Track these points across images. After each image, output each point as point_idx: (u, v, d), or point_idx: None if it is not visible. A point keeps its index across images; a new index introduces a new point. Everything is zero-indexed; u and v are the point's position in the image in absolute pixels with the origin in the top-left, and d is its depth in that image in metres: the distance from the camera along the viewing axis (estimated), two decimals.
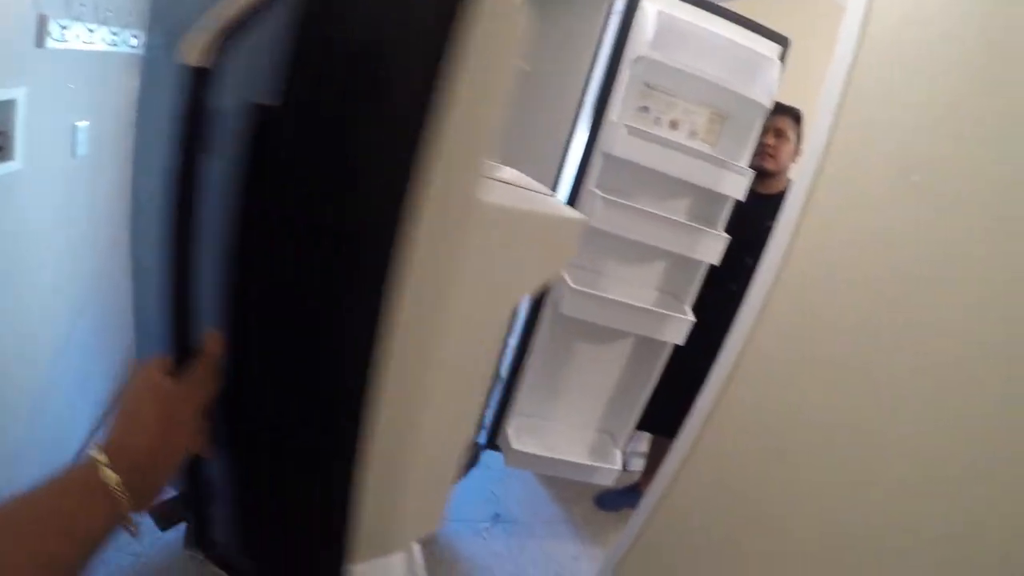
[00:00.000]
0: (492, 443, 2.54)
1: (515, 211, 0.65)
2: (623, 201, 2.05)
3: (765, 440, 1.54)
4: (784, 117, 2.28)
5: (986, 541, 1.00)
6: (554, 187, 2.05)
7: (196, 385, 0.59)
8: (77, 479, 0.51)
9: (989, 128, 1.12)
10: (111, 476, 0.51)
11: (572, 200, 2.10)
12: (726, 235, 2.18)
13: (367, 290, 0.57)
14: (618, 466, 2.52)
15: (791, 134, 2.28)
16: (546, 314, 2.24)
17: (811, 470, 1.37)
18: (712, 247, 2.17)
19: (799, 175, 1.57)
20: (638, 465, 3.34)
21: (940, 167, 1.20)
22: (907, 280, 1.24)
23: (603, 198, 2.01)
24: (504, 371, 2.39)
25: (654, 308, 2.18)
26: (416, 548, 1.24)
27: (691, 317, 2.23)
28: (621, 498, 3.06)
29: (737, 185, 2.15)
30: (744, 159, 2.21)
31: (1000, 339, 1.03)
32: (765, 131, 2.24)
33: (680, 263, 2.30)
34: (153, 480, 0.56)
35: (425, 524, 0.81)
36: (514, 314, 0.91)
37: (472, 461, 2.46)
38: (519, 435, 2.47)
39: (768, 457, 1.52)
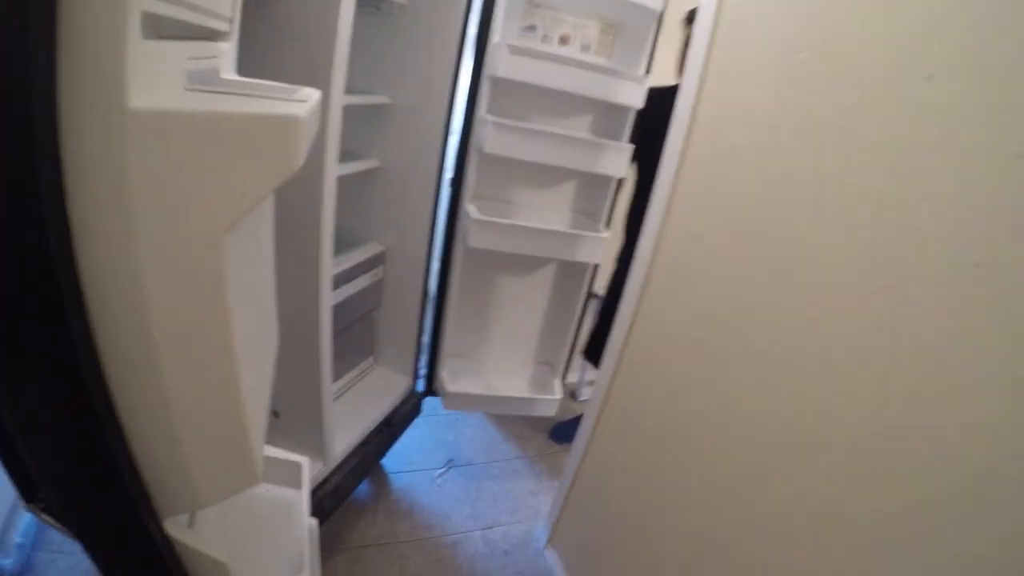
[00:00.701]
0: (430, 389, 2.52)
1: (187, 114, 0.58)
2: (515, 123, 2.00)
3: (685, 340, 1.54)
4: None
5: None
6: (447, 119, 1.99)
7: None
8: None
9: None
10: None
11: (467, 130, 2.04)
12: (629, 145, 2.14)
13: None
14: (559, 395, 2.52)
15: None
16: (457, 249, 2.20)
17: (734, 362, 1.36)
18: (616, 160, 2.13)
19: (691, 59, 1.53)
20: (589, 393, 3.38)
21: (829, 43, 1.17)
22: (794, 157, 1.22)
23: (494, 123, 1.96)
24: (429, 314, 2.35)
25: (563, 230, 2.14)
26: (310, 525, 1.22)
27: (604, 235, 2.21)
28: (573, 428, 3.09)
29: (635, 94, 2.11)
30: (640, 67, 2.16)
31: (890, 209, 1.02)
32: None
33: (588, 181, 2.27)
34: None
35: (236, 481, 0.79)
36: (263, 244, 0.84)
37: (414, 410, 2.44)
38: (454, 377, 2.45)
39: (691, 356, 1.51)
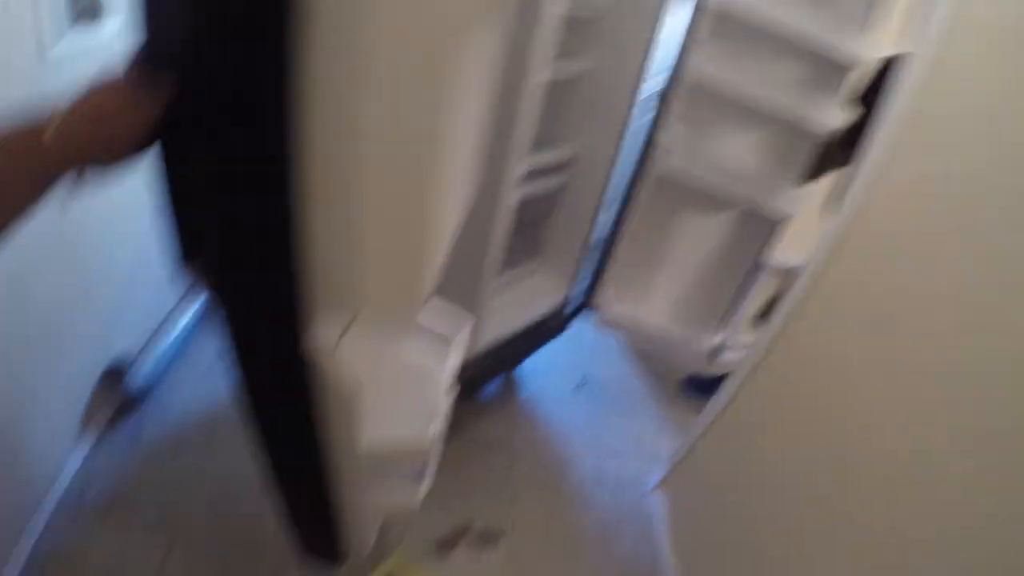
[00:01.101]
0: (586, 305, 2.49)
1: None
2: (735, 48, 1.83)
3: (877, 317, 1.37)
4: None
5: None
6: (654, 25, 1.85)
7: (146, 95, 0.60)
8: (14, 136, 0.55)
9: None
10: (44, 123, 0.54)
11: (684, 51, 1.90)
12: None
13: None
14: (715, 342, 2.41)
15: None
16: (648, 171, 2.09)
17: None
18: (831, 113, 1.90)
19: None
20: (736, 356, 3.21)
21: None
22: None
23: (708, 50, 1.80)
24: (603, 231, 2.30)
25: (761, 176, 1.98)
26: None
27: (801, 191, 2.02)
28: (712, 385, 2.97)
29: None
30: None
31: None
32: None
33: (794, 131, 2.05)
34: (89, 139, 0.58)
35: (398, 296, 0.77)
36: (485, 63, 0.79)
37: (563, 323, 2.44)
38: (615, 299, 2.41)
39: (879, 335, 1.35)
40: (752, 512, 1.70)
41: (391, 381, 1.15)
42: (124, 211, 1.86)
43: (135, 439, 2.03)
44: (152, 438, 2.05)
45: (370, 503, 1.15)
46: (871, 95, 1.86)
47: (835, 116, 1.89)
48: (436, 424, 1.04)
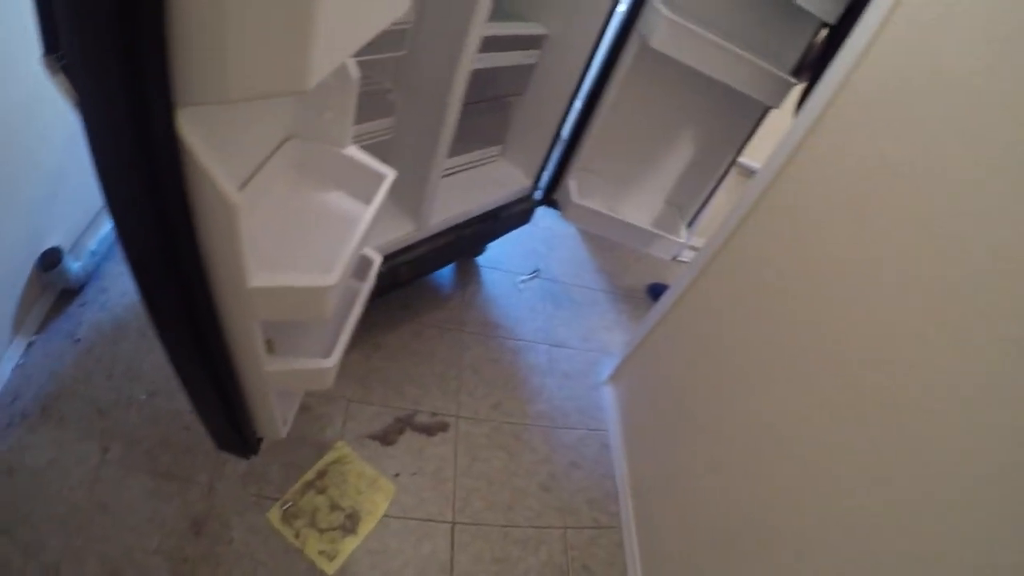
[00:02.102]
0: (549, 198, 2.36)
1: None
2: None
3: (842, 197, 1.31)
4: None
5: None
6: None
7: None
8: None
9: None
10: None
11: None
12: None
13: None
14: (682, 239, 2.33)
15: None
16: (629, 51, 1.91)
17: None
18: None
19: None
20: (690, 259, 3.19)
21: None
22: None
23: None
24: (571, 120, 2.13)
25: (755, 59, 1.81)
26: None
27: (793, 80, 1.88)
28: None
29: None
30: None
31: None
32: None
33: (793, 16, 1.88)
34: None
35: (278, 76, 0.61)
36: None
37: (524, 215, 2.31)
38: (582, 190, 2.28)
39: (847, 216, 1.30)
40: (692, 398, 1.74)
41: (293, 226, 1.05)
42: (50, 102, 1.67)
43: (71, 334, 1.89)
44: (88, 332, 1.91)
45: (270, 372, 1.04)
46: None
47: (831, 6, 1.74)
48: (336, 274, 0.92)
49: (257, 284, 0.83)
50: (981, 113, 0.99)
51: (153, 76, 0.57)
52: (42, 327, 1.88)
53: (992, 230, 0.93)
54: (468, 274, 2.70)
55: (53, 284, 1.92)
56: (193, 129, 0.63)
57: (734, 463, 1.47)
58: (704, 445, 1.62)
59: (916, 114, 1.14)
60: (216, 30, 0.56)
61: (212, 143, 0.66)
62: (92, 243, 2.06)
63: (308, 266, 0.97)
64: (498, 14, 1.54)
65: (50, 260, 1.83)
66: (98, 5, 0.51)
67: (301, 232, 1.06)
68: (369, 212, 1.05)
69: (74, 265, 1.93)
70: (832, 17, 1.79)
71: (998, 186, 0.93)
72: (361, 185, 1.13)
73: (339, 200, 1.13)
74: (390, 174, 1.13)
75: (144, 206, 0.69)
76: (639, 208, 2.46)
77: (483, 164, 2.26)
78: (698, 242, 3.20)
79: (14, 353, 1.76)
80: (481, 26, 1.41)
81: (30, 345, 1.82)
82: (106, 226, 2.15)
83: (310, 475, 1.74)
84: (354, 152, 1.13)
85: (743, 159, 2.37)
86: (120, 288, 2.07)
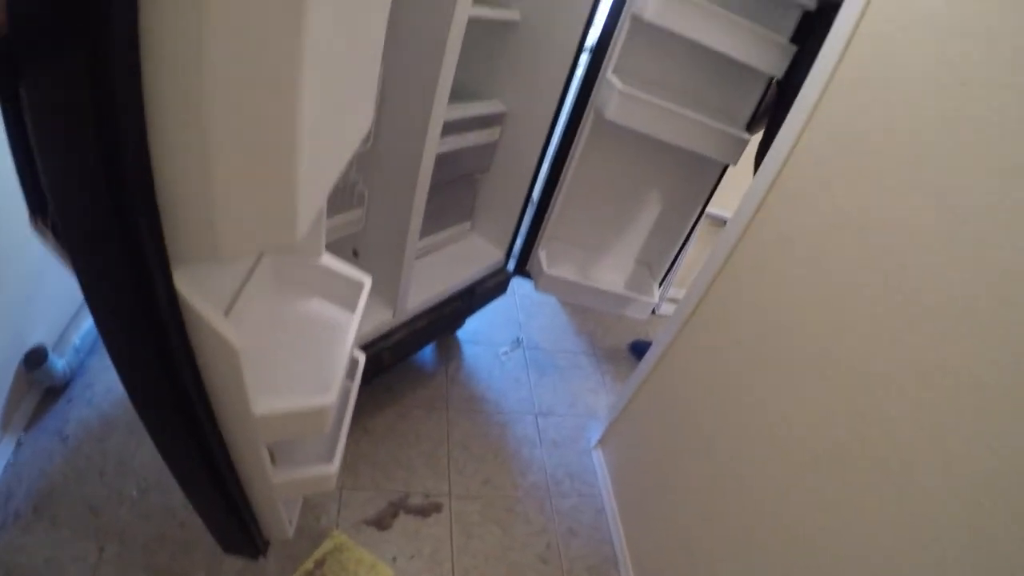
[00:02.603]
0: (522, 269, 2.42)
1: None
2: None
3: (804, 256, 1.36)
4: None
5: None
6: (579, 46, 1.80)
7: None
8: None
9: None
10: None
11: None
12: (792, 45, 1.87)
13: None
14: (655, 299, 2.38)
15: None
16: (586, 124, 2.01)
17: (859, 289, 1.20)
18: (770, 53, 1.84)
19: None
20: (670, 309, 3.25)
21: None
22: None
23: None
24: (536, 191, 2.22)
25: (707, 120, 1.91)
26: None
27: (747, 136, 1.99)
28: None
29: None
30: None
31: None
32: None
33: (739, 75, 2.00)
34: None
35: (269, 230, 0.66)
36: None
37: (499, 287, 2.37)
38: (552, 260, 2.35)
39: (809, 275, 1.35)
40: (681, 456, 1.74)
41: (283, 342, 1.08)
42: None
43: (59, 431, 1.87)
44: (76, 429, 1.89)
45: (278, 484, 1.07)
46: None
47: (779, 56, 1.86)
48: (334, 391, 0.96)
49: (261, 412, 0.86)
50: (934, 165, 1.04)
51: (150, 248, 0.60)
52: (30, 425, 1.86)
53: (952, 279, 0.97)
54: (449, 350, 2.72)
55: (39, 382, 1.91)
56: (190, 284, 0.67)
57: (728, 519, 1.46)
58: (696, 503, 1.62)
59: (870, 168, 1.19)
60: (204, 199, 0.60)
61: (204, 286, 0.70)
62: (75, 338, 2.05)
63: (304, 382, 1.00)
64: (457, 94, 1.60)
65: (35, 359, 1.82)
66: (92, 185, 0.55)
67: (291, 346, 1.08)
68: (354, 322, 1.09)
69: (59, 363, 1.92)
70: (780, 71, 1.88)
71: (956, 236, 0.97)
72: (340, 292, 1.16)
73: (321, 308, 1.16)
74: (366, 280, 1.16)
75: (148, 357, 0.72)
76: (611, 270, 2.51)
77: (454, 241, 2.30)
78: (678, 293, 3.28)
79: (4, 452, 1.74)
80: (442, 112, 1.48)
81: (19, 444, 1.79)
82: (88, 321, 2.14)
83: (308, 565, 1.71)
84: (329, 261, 1.16)
85: (712, 209, 2.47)
86: (105, 383, 2.06)
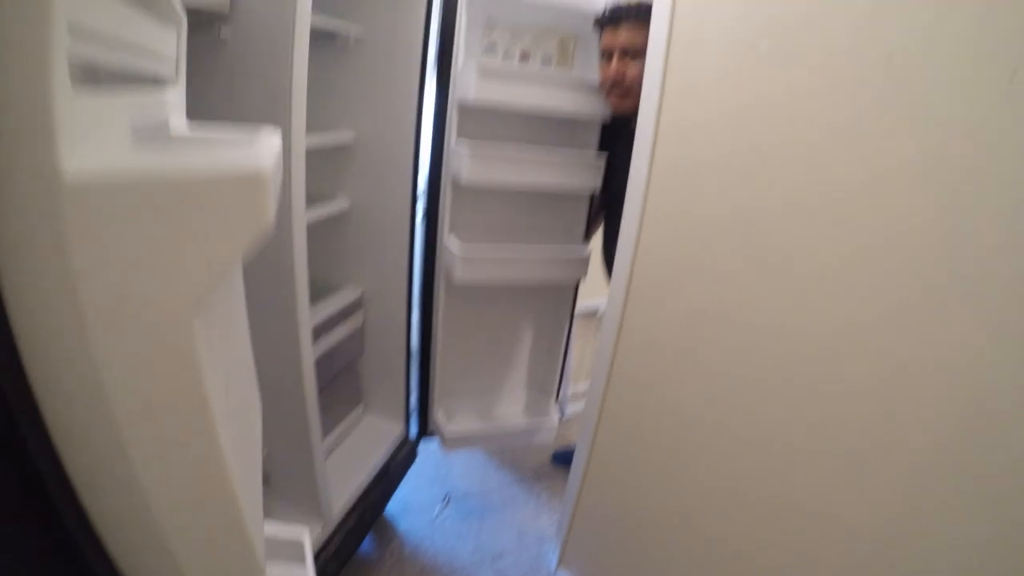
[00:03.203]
0: (425, 431, 2.42)
1: (133, 180, 0.47)
2: (492, 152, 1.91)
3: (672, 348, 1.50)
4: (627, 24, 1.81)
5: None
6: (416, 150, 1.90)
7: None
8: None
9: None
10: None
11: (437, 160, 1.96)
12: (600, 157, 2.07)
13: None
14: (556, 421, 2.45)
15: (640, 39, 1.64)
16: (439, 285, 2.11)
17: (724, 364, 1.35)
18: (589, 174, 2.06)
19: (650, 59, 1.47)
20: (578, 406, 3.32)
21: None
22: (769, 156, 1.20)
23: (470, 153, 1.86)
24: (415, 356, 2.26)
25: (546, 255, 2.07)
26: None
27: (588, 250, 2.16)
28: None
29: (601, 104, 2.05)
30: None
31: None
32: (606, 55, 1.89)
33: (565, 197, 2.20)
34: None
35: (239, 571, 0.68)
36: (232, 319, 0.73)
37: (409, 456, 2.34)
38: (450, 417, 2.36)
39: (681, 363, 1.48)
40: (648, 554, 1.77)
41: None
42: None
43: None
44: None
45: None
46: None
47: (594, 172, 2.05)
48: None
49: None
50: (768, 247, 1.21)
51: None
52: None
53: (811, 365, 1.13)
54: (385, 532, 2.61)
55: None
56: None
57: None
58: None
59: (707, 265, 1.36)
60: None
61: None
62: None
63: None
64: (312, 291, 1.63)
65: None
66: None
67: None
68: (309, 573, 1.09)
69: None
70: (597, 183, 2.10)
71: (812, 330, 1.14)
72: (287, 552, 1.14)
73: (281, 571, 1.12)
74: (304, 533, 1.16)
75: None
76: (509, 403, 2.58)
77: (353, 427, 2.29)
78: (580, 387, 3.36)
79: None
80: (307, 324, 1.52)
81: None
82: None
83: None
84: (268, 530, 1.13)
85: (580, 306, 2.60)
86: None
